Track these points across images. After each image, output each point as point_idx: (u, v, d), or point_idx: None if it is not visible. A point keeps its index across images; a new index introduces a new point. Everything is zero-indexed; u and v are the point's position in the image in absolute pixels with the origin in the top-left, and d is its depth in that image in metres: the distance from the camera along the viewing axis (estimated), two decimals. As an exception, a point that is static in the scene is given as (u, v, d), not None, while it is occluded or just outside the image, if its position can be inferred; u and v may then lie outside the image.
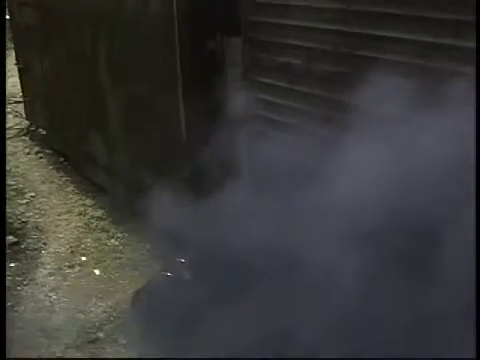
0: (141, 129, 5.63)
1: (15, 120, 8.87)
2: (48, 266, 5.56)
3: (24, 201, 6.70)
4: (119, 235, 5.91)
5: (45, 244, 5.90)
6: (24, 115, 8.61)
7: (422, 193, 2.96)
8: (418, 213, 2.96)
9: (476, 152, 2.77)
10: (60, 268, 5.51)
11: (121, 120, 6.00)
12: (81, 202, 6.60)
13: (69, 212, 6.43)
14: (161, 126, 5.29)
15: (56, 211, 6.48)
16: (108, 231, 6.01)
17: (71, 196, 6.75)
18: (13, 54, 8.20)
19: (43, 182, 7.16)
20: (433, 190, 2.93)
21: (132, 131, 5.83)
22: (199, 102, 4.72)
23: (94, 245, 5.82)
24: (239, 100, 4.57)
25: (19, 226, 6.16)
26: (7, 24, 7.59)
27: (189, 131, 4.91)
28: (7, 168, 6.63)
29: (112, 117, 6.12)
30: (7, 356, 3.79)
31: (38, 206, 6.60)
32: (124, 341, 4.63)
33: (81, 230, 6.08)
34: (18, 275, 5.40)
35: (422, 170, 2.98)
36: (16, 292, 5.17)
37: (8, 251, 5.54)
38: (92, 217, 6.28)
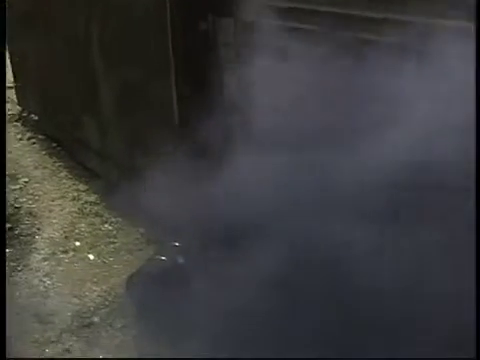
0: (134, 113, 5.59)
1: (7, 106, 8.80)
2: (42, 251, 5.54)
3: (17, 187, 6.66)
4: (113, 220, 5.89)
5: (39, 229, 5.87)
6: (16, 100, 8.55)
7: None
8: None
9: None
10: (54, 253, 5.49)
11: (114, 104, 5.96)
12: (75, 187, 6.57)
13: (63, 197, 6.39)
14: (154, 109, 5.26)
15: (49, 196, 6.45)
16: (102, 216, 5.98)
17: (64, 181, 6.72)
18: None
19: (36, 168, 7.12)
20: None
21: (125, 115, 5.79)
22: (191, 84, 4.70)
23: (88, 230, 5.79)
24: (232, 81, 4.55)
25: (12, 212, 6.13)
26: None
27: (182, 113, 4.88)
28: (-1, 154, 6.59)
29: (105, 101, 6.08)
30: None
31: (31, 192, 6.57)
32: (119, 325, 4.63)
33: (75, 215, 6.05)
34: (12, 261, 5.37)
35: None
36: (10, 278, 5.15)
37: (1, 237, 5.51)
38: (86, 202, 6.25)
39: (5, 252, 4.27)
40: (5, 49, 5.67)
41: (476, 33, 2.78)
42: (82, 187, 6.55)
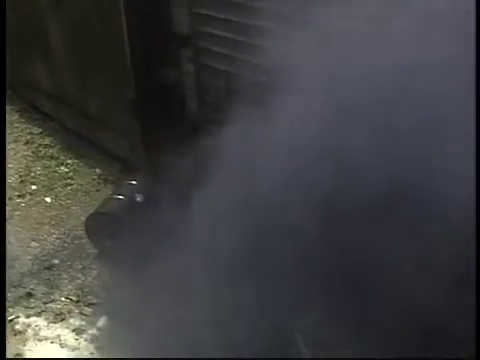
0: (84, 53, 5.48)
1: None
2: (-2, 197, 5.47)
3: (-32, 132, 6.54)
4: (69, 162, 5.83)
5: (-7, 174, 5.79)
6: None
7: None
8: None
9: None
10: (10, 198, 5.41)
11: (64, 45, 5.83)
12: (28, 131, 6.46)
13: (16, 141, 6.28)
14: (105, 49, 5.15)
15: (2, 141, 6.34)
16: (57, 158, 5.91)
17: (17, 125, 6.59)
18: None
19: (-13, 112, 6.98)
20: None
21: (75, 56, 5.68)
22: (142, 21, 4.61)
23: (44, 173, 5.73)
24: (182, 17, 4.47)
25: (-35, 158, 6.03)
26: None
27: (133, 52, 4.78)
28: None
29: (54, 42, 5.94)
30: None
31: (-17, 137, 6.45)
32: (80, 266, 4.64)
33: (29, 159, 5.97)
34: (-33, 207, 5.31)
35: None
36: (-33, 224, 5.10)
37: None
38: (40, 145, 6.16)
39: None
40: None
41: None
42: (35, 130, 6.45)
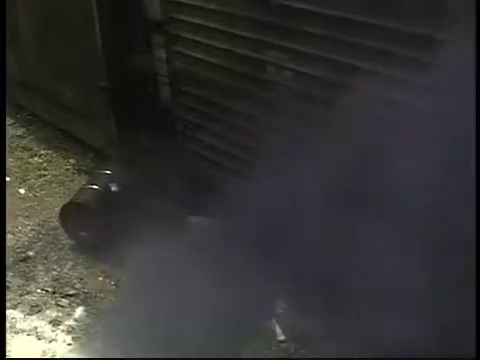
0: (55, 40, 5.42)
1: None
2: (-30, 189, 5.40)
3: None
4: (42, 152, 5.77)
5: (-35, 167, 5.72)
6: None
7: None
8: None
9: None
10: (-17, 190, 5.36)
11: (33, 31, 5.75)
12: (0, 122, 6.39)
13: (-12, 133, 6.22)
14: (75, 35, 5.09)
15: (-27, 132, 6.26)
16: (30, 149, 5.85)
17: (-12, 116, 6.52)
18: None
19: (-42, 103, 6.88)
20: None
21: (45, 43, 5.61)
22: (114, 7, 4.56)
23: (17, 164, 5.66)
24: (155, 3, 4.44)
25: None
26: None
27: (104, 38, 4.73)
28: None
29: (23, 29, 5.86)
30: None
31: (-46, 129, 6.36)
32: (55, 257, 4.59)
33: (2, 150, 5.90)
34: None
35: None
36: None
37: None
38: (13, 136, 6.08)
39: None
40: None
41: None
42: (8, 121, 6.34)
